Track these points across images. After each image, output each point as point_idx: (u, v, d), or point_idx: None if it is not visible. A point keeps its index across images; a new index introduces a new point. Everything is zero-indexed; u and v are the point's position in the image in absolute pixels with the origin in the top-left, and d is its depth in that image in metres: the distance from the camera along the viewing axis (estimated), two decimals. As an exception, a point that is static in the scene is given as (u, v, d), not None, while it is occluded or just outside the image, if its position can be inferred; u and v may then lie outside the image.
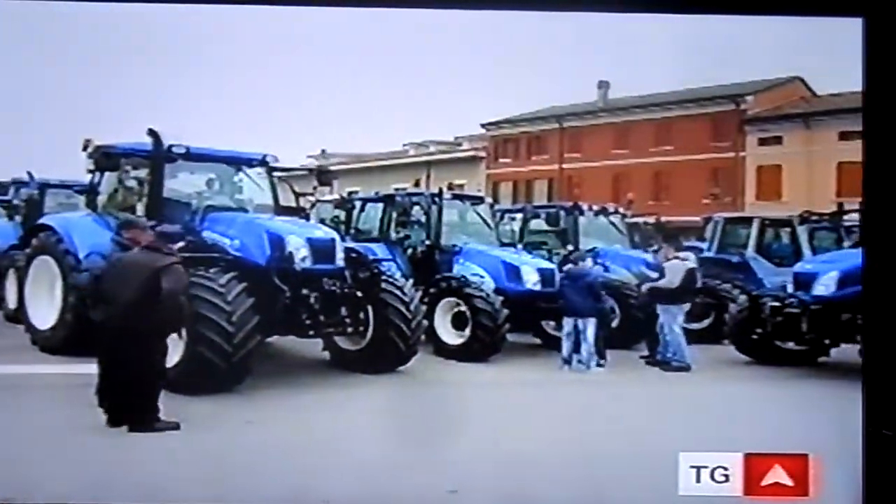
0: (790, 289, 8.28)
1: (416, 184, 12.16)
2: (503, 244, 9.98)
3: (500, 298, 8.64)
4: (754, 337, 8.40)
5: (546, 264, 9.37)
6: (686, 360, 8.24)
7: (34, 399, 5.82)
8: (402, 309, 7.47)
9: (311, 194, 8.62)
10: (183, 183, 7.68)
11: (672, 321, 8.30)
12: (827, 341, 8.08)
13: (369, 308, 7.39)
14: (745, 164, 13.60)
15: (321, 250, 7.11)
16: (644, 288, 8.52)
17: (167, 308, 5.23)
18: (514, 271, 9.13)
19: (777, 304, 8.16)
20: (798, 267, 8.55)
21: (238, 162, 7.98)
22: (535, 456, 4.93)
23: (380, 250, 9.06)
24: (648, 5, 5.29)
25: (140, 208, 7.23)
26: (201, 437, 5.33)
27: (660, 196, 14.21)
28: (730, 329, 8.75)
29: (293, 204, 8.28)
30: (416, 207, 9.86)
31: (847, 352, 7.80)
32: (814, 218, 10.00)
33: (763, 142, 13.66)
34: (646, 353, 8.71)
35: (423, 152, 16.69)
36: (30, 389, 6.13)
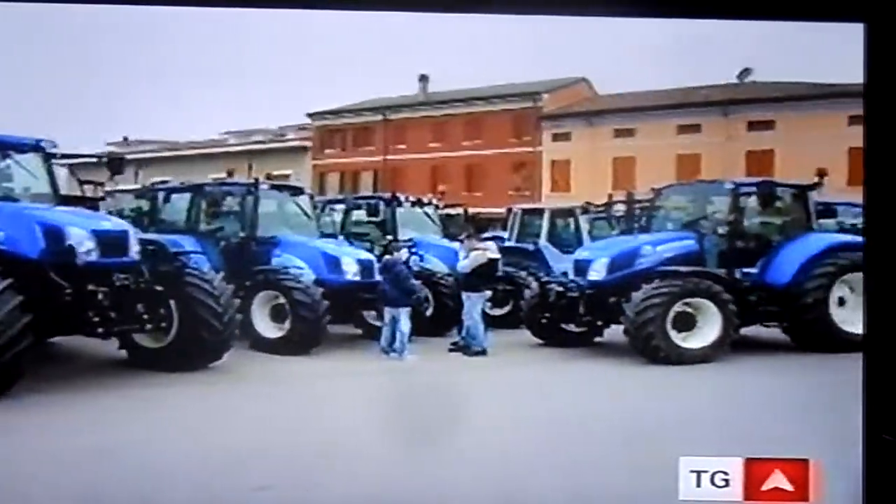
0: (571, 274, 9.12)
1: (230, 174, 11.64)
2: (324, 235, 9.97)
3: (321, 290, 8.63)
4: (543, 321, 9.12)
5: (366, 255, 9.50)
6: (482, 345, 8.77)
7: None
8: (211, 303, 7.22)
9: (102, 183, 7.89)
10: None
11: (472, 308, 8.83)
12: (599, 323, 8.97)
13: (173, 303, 7.05)
14: (541, 158, 15.10)
15: (110, 242, 6.66)
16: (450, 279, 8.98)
17: None
18: (334, 262, 9.17)
19: (561, 289, 8.97)
20: (577, 254, 9.47)
21: (3, 147, 7.06)
22: (364, 448, 4.98)
23: (187, 242, 8.61)
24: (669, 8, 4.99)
25: None
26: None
27: (472, 188, 15.21)
28: (524, 314, 9.44)
29: (79, 193, 7.51)
30: (230, 198, 9.48)
31: (616, 334, 8.69)
32: (592, 209, 11.32)
33: (555, 138, 15.27)
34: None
35: (245, 141, 16.04)
36: None
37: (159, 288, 6.89)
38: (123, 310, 6.58)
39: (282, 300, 8.58)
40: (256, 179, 9.78)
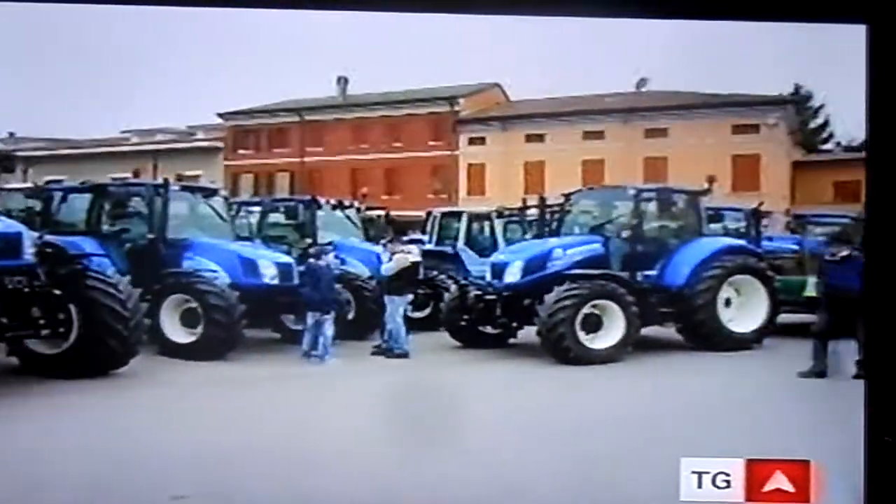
0: (489, 277, 9.25)
1: (136, 174, 11.04)
2: (240, 238, 9.67)
3: (236, 293, 8.38)
4: (462, 323, 9.22)
5: (284, 258, 9.29)
6: (404, 348, 8.81)
7: None
8: (116, 307, 6.91)
9: (-10, 182, 7.29)
10: None
11: (395, 311, 8.84)
12: (514, 324, 9.13)
13: (72, 307, 6.67)
14: (458, 162, 15.48)
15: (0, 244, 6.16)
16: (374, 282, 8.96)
17: None
18: (250, 265, 8.91)
19: (479, 291, 9.12)
20: (493, 257, 9.62)
21: None
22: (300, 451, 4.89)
23: (87, 244, 8.15)
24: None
25: None
26: None
27: (392, 191, 15.30)
28: (444, 316, 9.51)
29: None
30: (136, 198, 9.02)
31: (527, 335, 8.90)
32: (507, 212, 11.67)
33: (471, 142, 15.74)
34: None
35: (148, 140, 15.20)
36: None
37: (57, 292, 6.50)
38: (16, 314, 6.19)
39: (193, 304, 8.28)
40: (166, 180, 9.36)
